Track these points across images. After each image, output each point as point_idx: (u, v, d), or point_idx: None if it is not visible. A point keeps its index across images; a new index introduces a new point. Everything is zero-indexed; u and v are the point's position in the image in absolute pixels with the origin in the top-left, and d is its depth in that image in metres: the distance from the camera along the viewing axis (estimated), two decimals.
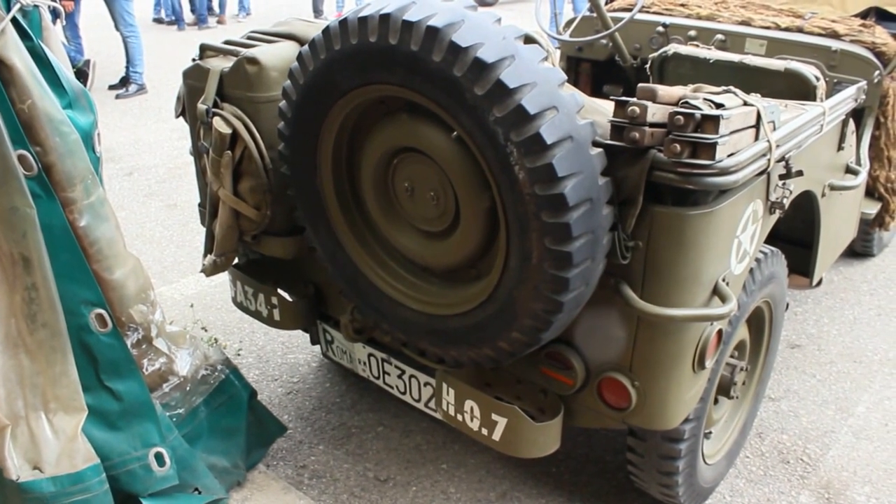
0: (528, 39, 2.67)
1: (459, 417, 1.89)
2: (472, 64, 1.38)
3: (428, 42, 1.41)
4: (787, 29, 3.27)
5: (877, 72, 3.02)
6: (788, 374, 3.03)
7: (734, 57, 2.40)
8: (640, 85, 1.48)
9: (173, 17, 9.92)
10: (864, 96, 2.26)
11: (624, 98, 1.46)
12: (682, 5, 3.58)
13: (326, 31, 1.59)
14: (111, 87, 6.98)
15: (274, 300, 2.29)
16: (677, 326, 1.62)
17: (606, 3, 3.99)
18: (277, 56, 1.94)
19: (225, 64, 2.01)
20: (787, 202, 1.82)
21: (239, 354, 3.05)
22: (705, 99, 1.50)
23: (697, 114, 1.39)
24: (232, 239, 2.12)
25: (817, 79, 2.28)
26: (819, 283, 2.88)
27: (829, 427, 2.73)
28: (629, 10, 3.68)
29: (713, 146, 1.39)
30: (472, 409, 1.85)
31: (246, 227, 2.09)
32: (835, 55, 3.07)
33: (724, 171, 1.46)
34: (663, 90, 1.49)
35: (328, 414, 2.78)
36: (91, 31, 7.48)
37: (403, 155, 1.69)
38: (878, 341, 3.25)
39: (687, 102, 1.46)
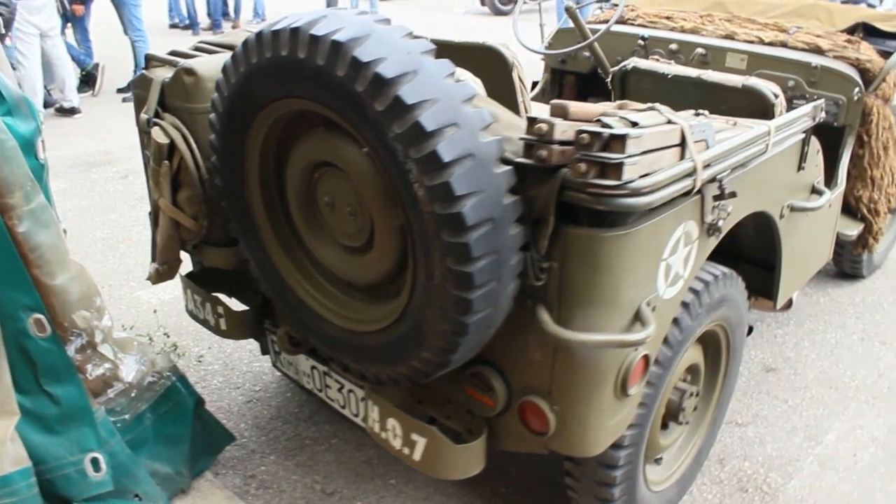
0: (489, 51, 2.68)
1: (383, 435, 1.86)
2: (372, 79, 1.36)
3: (332, 56, 1.40)
4: (770, 43, 3.21)
5: (856, 89, 2.95)
6: (759, 398, 2.95)
7: (692, 72, 2.35)
8: (552, 101, 1.45)
9: (188, 22, 10.06)
10: (822, 114, 2.20)
11: (534, 115, 1.42)
12: (668, 18, 3.53)
13: (245, 43, 1.58)
14: (119, 91, 7.08)
15: (220, 309, 2.28)
16: (594, 351, 1.58)
17: (594, 14, 3.96)
18: (214, 67, 1.93)
19: (168, 74, 2.01)
20: (722, 224, 1.77)
21: (200, 361, 3.05)
22: (621, 117, 1.46)
23: (605, 132, 1.35)
24: (173, 248, 2.13)
25: (776, 95, 2.22)
26: (789, 305, 2.80)
27: (794, 455, 2.65)
28: (616, 21, 3.65)
29: (620, 166, 1.35)
30: (394, 427, 1.82)
31: (186, 236, 2.09)
32: (815, 71, 3.01)
33: (637, 192, 1.41)
34: (578, 107, 1.46)
35: (284, 424, 2.77)
36: (101, 35, 7.59)
37: (324, 169, 1.67)
38: (857, 367, 3.16)
39: (600, 120, 1.42)
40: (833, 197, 2.79)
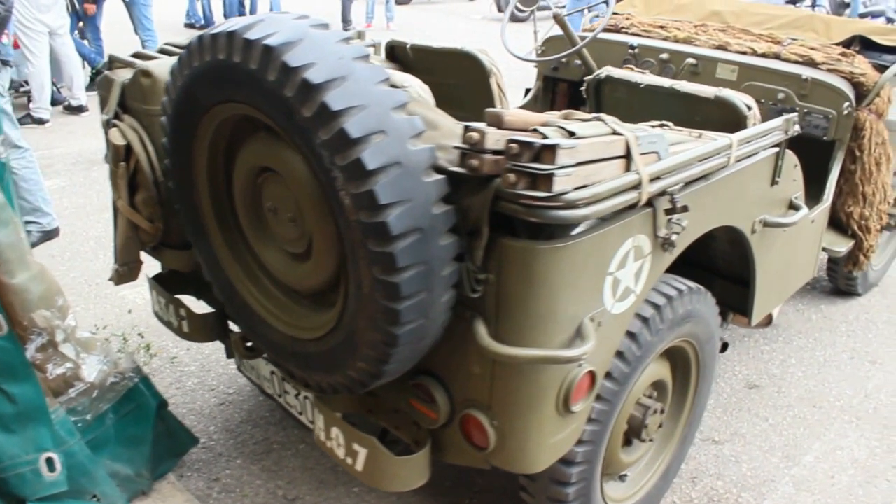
0: (468, 57, 2.65)
1: (328, 444, 1.84)
2: (300, 84, 1.34)
3: (264, 61, 1.38)
4: (763, 55, 3.14)
5: (846, 103, 2.87)
6: (740, 415, 2.89)
7: (665, 82, 2.30)
8: (487, 109, 1.42)
9: (203, 23, 10.15)
10: (796, 128, 2.13)
11: (469, 123, 1.40)
12: (662, 27, 3.48)
13: (189, 46, 1.57)
14: None
15: (182, 311, 2.28)
16: (533, 366, 1.54)
17: (592, 22, 3.91)
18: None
19: (128, 76, 2.01)
20: (676, 239, 1.72)
21: (173, 362, 3.05)
22: (560, 127, 1.42)
23: (536, 142, 1.32)
24: (132, 249, 2.12)
25: (748, 108, 2.17)
26: (768, 322, 2.74)
27: (770, 475, 2.59)
28: (607, 29, 3.61)
29: (550, 177, 1.32)
30: (337, 436, 1.79)
31: (144, 238, 2.09)
32: (805, 84, 2.94)
33: (571, 205, 1.38)
34: (514, 115, 1.43)
35: (254, 428, 2.75)
36: (113, 35, 7.68)
37: (266, 174, 1.66)
38: (843, 386, 3.08)
39: (537, 130, 1.39)
40: (817, 212, 2.72)
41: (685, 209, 1.66)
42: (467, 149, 1.38)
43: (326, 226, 1.52)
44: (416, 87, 1.74)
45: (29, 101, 6.06)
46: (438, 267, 1.41)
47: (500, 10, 11.89)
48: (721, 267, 2.45)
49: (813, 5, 8.17)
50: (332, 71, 1.34)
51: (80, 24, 6.78)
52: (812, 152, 3.14)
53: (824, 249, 3.05)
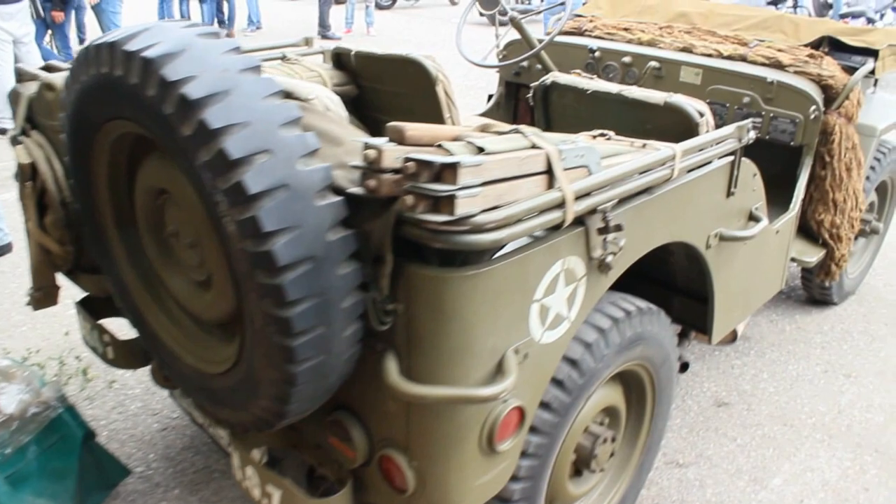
0: (412, 63, 2.52)
1: (245, 484, 1.71)
2: (178, 100, 1.21)
3: (143, 74, 1.25)
4: (729, 57, 3.03)
5: (813, 107, 2.76)
6: (706, 435, 2.76)
7: (612, 88, 2.17)
8: (388, 124, 1.29)
9: None
10: (751, 135, 2.01)
11: (368, 139, 1.27)
12: (626, 30, 3.37)
13: (77, 58, 1.44)
14: None
15: (106, 337, 2.15)
16: (449, 405, 1.41)
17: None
18: None
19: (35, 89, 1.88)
20: (612, 260, 1.59)
21: (112, 386, 2.91)
22: (469, 142, 1.30)
23: (435, 161, 1.19)
24: (45, 273, 1.99)
25: (700, 114, 2.04)
26: (733, 339, 2.62)
27: (735, 500, 2.46)
28: (573, 32, 3.49)
29: (451, 199, 1.19)
30: (252, 476, 1.66)
31: (57, 261, 1.96)
32: (770, 87, 2.82)
33: (479, 229, 1.25)
34: (419, 130, 1.30)
35: (195, 455, 2.62)
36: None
37: (165, 196, 1.53)
38: (816, 402, 2.95)
39: (441, 146, 1.26)
40: (783, 222, 2.60)
41: (619, 228, 1.53)
42: (366, 168, 1.26)
43: (221, 254, 1.39)
44: (324, 99, 1.61)
45: None
46: (337, 298, 1.28)
47: (481, 14, 11.75)
48: (680, 282, 2.33)
49: (795, 6, 8.10)
50: (213, 85, 1.21)
51: (49, 31, 6.64)
52: (781, 158, 3.02)
53: (793, 260, 2.93)
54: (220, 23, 10.43)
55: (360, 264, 1.32)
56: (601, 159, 1.55)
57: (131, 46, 1.27)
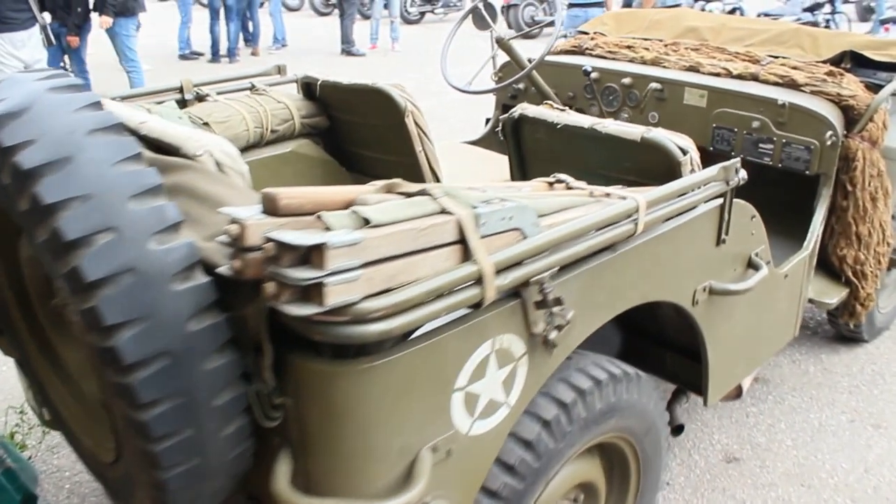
0: (379, 94, 2.32)
1: None
2: (13, 170, 1.04)
3: None
4: (739, 76, 2.76)
5: (829, 132, 2.47)
6: (712, 497, 2.48)
7: (585, 121, 1.94)
8: (262, 191, 1.10)
9: (187, 52, 9.90)
10: (739, 176, 1.75)
11: (237, 210, 1.08)
12: (629, 48, 3.12)
13: None
14: None
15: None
16: None
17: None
18: None
19: None
20: (556, 336, 1.36)
21: (52, 452, 2.73)
22: (353, 212, 1.09)
23: (299, 243, 0.99)
24: None
25: (684, 152, 1.80)
26: (738, 394, 2.35)
27: None
28: (573, 51, 3.27)
29: (319, 287, 0.99)
30: None
31: None
32: (782, 111, 2.55)
33: (360, 319, 1.04)
34: (300, 196, 1.10)
35: None
36: (101, 67, 7.58)
37: None
38: (839, 458, 2.65)
39: (320, 217, 1.06)
40: (792, 265, 2.32)
41: (558, 302, 1.31)
42: (231, 245, 1.06)
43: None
44: (217, 154, 1.41)
45: None
46: (206, 396, 1.09)
47: (509, 26, 11.54)
48: (672, 338, 2.08)
49: (833, 11, 7.70)
50: (51, 151, 1.04)
51: (66, 57, 6.66)
52: (801, 183, 2.73)
53: (811, 301, 2.64)
54: (246, 41, 10.43)
55: (239, 353, 1.13)
56: (541, 217, 1.33)
57: None
